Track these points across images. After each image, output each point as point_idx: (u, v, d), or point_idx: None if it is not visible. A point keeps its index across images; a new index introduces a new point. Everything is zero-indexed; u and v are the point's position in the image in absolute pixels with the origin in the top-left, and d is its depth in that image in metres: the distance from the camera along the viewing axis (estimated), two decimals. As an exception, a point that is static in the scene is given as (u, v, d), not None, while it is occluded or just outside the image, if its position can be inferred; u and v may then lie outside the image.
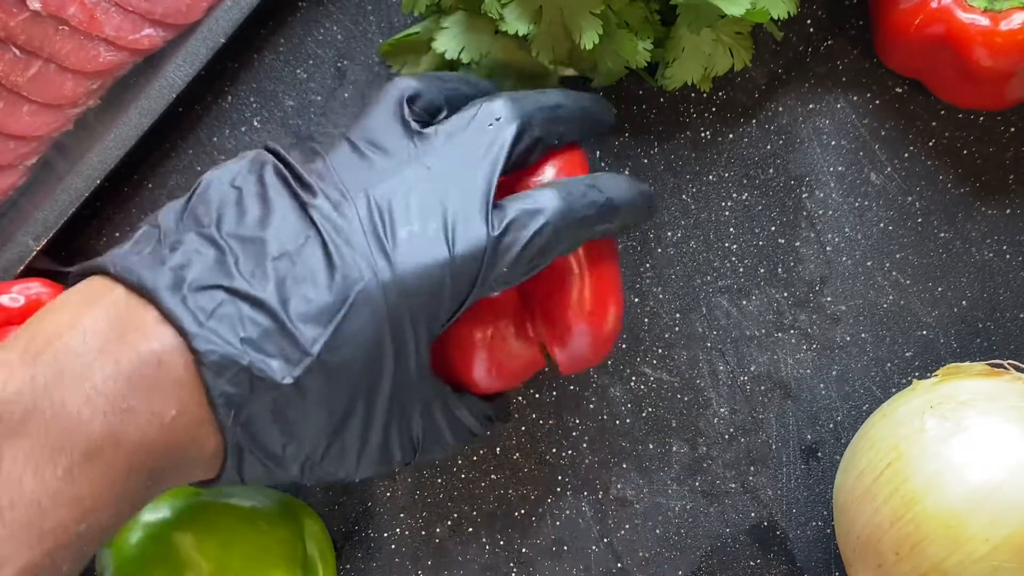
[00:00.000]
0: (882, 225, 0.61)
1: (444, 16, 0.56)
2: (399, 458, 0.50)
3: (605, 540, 0.61)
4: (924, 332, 0.61)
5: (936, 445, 0.53)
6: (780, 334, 0.61)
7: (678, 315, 0.61)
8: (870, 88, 0.61)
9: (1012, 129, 0.61)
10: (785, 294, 0.61)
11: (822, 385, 0.61)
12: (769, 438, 0.61)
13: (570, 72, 0.58)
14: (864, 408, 0.61)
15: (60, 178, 0.59)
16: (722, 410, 0.61)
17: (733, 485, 0.61)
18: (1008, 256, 0.61)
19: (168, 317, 0.43)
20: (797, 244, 0.61)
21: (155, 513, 0.55)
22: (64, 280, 0.60)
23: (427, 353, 0.47)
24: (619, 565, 0.61)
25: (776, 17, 0.54)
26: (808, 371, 0.61)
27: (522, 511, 0.61)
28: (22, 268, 0.58)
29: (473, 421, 0.52)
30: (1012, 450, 0.52)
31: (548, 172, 0.50)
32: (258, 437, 0.45)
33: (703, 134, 0.61)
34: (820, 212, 0.61)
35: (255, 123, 0.61)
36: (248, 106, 0.61)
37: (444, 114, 0.50)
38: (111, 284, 0.45)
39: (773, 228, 0.61)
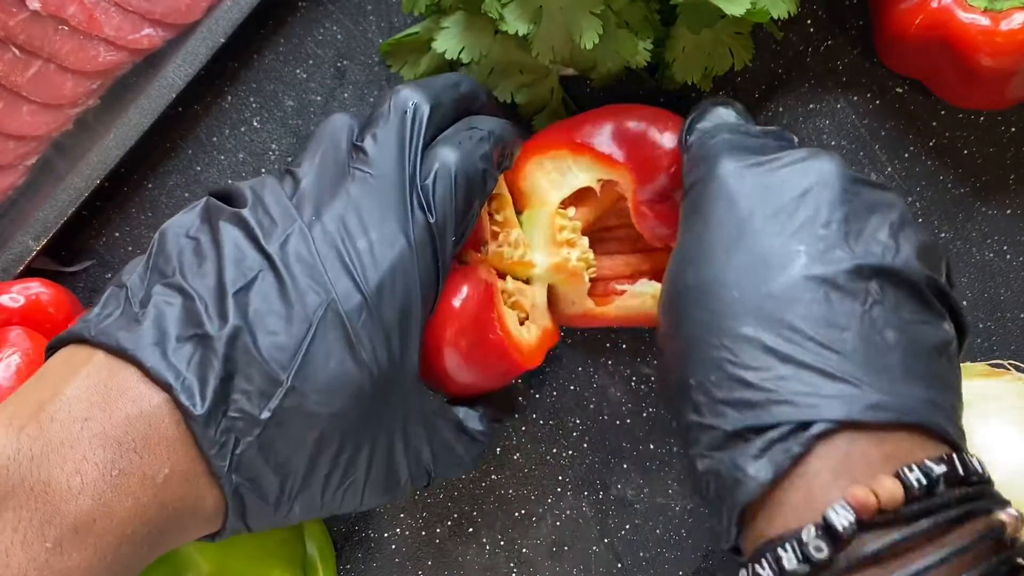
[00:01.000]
0: (882, 225, 0.61)
1: (444, 16, 0.56)
2: (409, 480, 0.50)
3: (605, 540, 0.61)
4: (924, 332, 0.61)
5: (936, 445, 0.53)
6: (780, 334, 0.61)
7: (678, 315, 0.61)
8: (870, 88, 0.61)
9: (1012, 129, 0.61)
10: (785, 294, 0.61)
11: (822, 385, 0.61)
12: (769, 438, 0.61)
13: (570, 72, 0.58)
14: (864, 408, 0.61)
15: (60, 178, 0.58)
16: (722, 410, 0.61)
17: (733, 485, 0.61)
18: (1008, 256, 0.61)
19: (150, 375, 0.43)
20: (797, 244, 0.61)
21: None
22: (64, 280, 0.60)
23: (417, 359, 0.48)
24: (619, 565, 0.61)
25: (776, 17, 0.54)
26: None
27: (522, 511, 0.61)
28: (22, 268, 0.58)
29: (479, 425, 0.52)
30: (1012, 450, 0.52)
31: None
32: (255, 479, 0.45)
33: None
34: (820, 212, 0.61)
35: (255, 123, 0.61)
36: (248, 106, 0.61)
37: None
38: (90, 351, 0.45)
39: (773, 228, 0.61)
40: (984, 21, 0.53)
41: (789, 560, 0.40)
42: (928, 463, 0.40)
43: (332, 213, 0.47)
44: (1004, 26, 0.53)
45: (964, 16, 0.54)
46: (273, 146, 0.61)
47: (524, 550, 0.61)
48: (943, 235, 0.61)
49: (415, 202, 0.48)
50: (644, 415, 0.61)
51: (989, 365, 0.57)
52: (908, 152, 0.61)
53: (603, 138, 0.55)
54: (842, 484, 0.40)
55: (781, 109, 0.61)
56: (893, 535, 0.39)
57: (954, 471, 0.40)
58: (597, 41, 0.53)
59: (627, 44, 0.55)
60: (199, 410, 0.43)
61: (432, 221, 0.48)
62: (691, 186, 0.49)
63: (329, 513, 0.49)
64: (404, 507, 0.61)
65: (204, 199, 0.49)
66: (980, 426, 0.53)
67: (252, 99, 0.61)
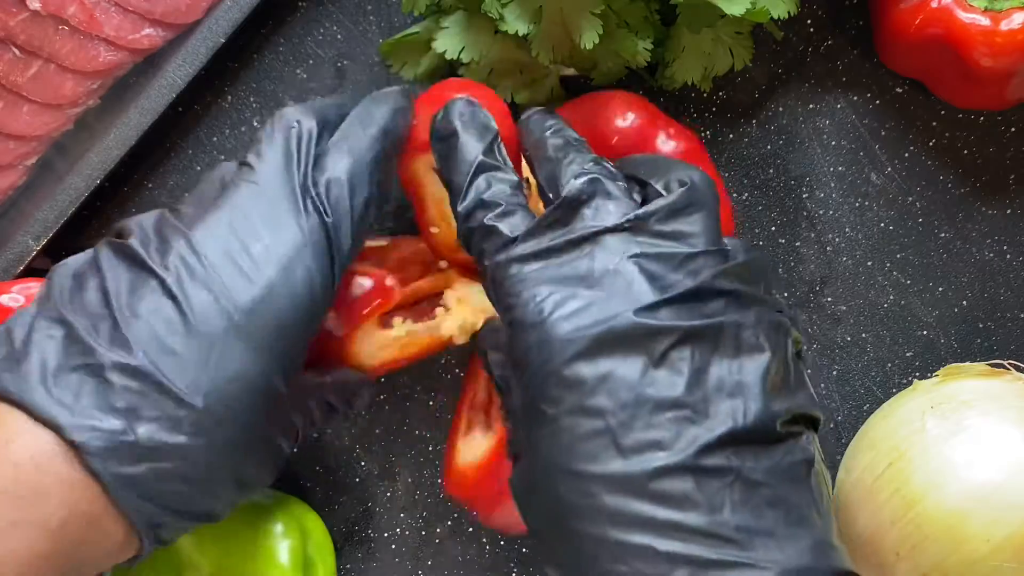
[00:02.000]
0: (882, 225, 0.61)
1: (444, 16, 0.56)
2: (287, 453, 0.49)
3: (605, 540, 0.61)
4: (924, 332, 0.61)
5: (937, 445, 0.53)
6: (780, 334, 0.61)
7: (678, 315, 0.61)
8: (870, 88, 0.61)
9: (1012, 129, 0.61)
10: (785, 294, 0.61)
11: (822, 385, 0.61)
12: (769, 438, 0.61)
13: (570, 72, 0.58)
14: (864, 408, 0.61)
15: (60, 178, 0.58)
16: (722, 410, 0.61)
17: (733, 485, 0.61)
18: (1008, 256, 0.61)
19: (38, 417, 0.41)
20: (797, 244, 0.61)
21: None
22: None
23: (304, 352, 0.47)
24: (619, 565, 0.61)
25: (776, 17, 0.54)
26: (808, 371, 0.61)
27: (522, 511, 0.61)
28: (22, 268, 0.58)
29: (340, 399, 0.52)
30: (1012, 450, 0.52)
31: None
32: (175, 505, 0.44)
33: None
34: (820, 212, 0.61)
35: (255, 123, 0.61)
36: (248, 106, 0.61)
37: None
38: None
39: (773, 228, 0.61)
40: (984, 21, 0.54)
41: None
42: None
43: (220, 221, 0.45)
44: (1004, 26, 0.53)
45: (964, 16, 0.54)
46: (273, 146, 0.61)
47: (524, 550, 0.61)
48: (943, 235, 0.61)
49: (309, 205, 0.46)
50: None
51: (989, 365, 0.57)
52: (908, 152, 0.61)
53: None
54: None
55: (781, 109, 0.61)
56: None
57: None
58: (597, 41, 0.53)
59: (627, 44, 0.55)
60: (94, 444, 0.41)
61: (328, 221, 0.46)
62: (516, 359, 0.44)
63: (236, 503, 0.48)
64: (404, 507, 0.61)
65: (95, 247, 0.47)
66: (980, 426, 0.53)
67: (252, 99, 0.61)
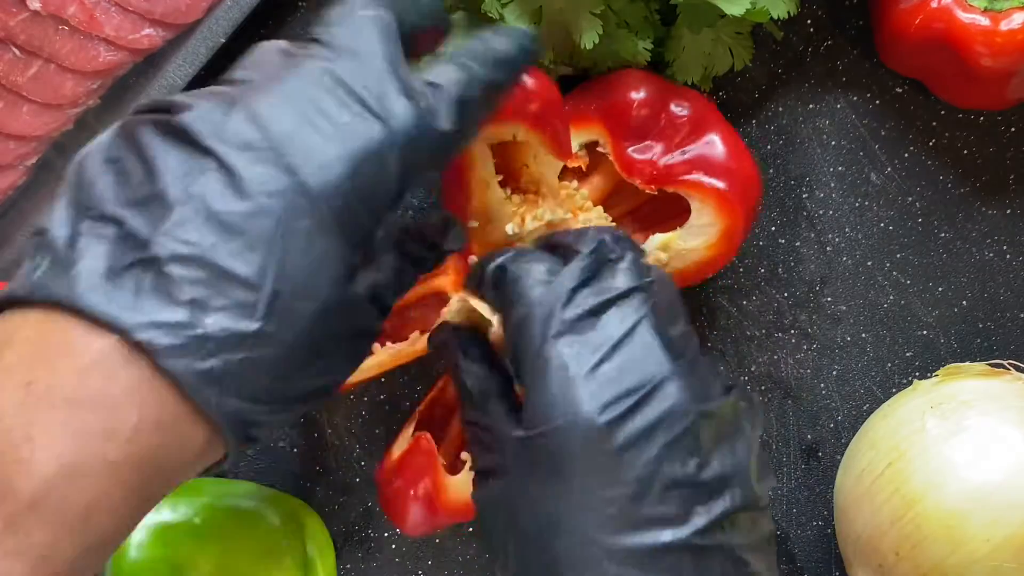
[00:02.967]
0: (882, 225, 0.61)
1: (444, 16, 0.56)
2: (374, 329, 0.45)
3: (605, 540, 0.61)
4: (924, 332, 0.61)
5: (937, 445, 0.53)
6: (780, 334, 0.61)
7: (678, 315, 0.61)
8: (870, 88, 0.61)
9: (1012, 129, 0.61)
10: (785, 294, 0.61)
11: (822, 385, 0.61)
12: (769, 438, 0.61)
13: (570, 72, 0.58)
14: (864, 408, 0.61)
15: (60, 178, 0.58)
16: (722, 410, 0.61)
17: (733, 485, 0.61)
18: (1008, 256, 0.61)
19: (97, 320, 0.38)
20: (797, 244, 0.61)
21: (156, 515, 0.55)
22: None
23: (378, 223, 0.42)
24: (619, 565, 0.61)
25: (776, 17, 0.54)
26: (808, 371, 0.61)
27: (522, 511, 0.61)
28: (22, 268, 0.58)
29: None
30: (1012, 450, 0.52)
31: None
32: (261, 396, 0.40)
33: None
34: (820, 212, 0.61)
35: (255, 123, 0.61)
36: (248, 106, 0.61)
37: None
38: (22, 315, 0.39)
39: (773, 228, 0.61)
40: (984, 21, 0.54)
41: None
42: None
43: (290, 94, 0.41)
44: (1004, 26, 0.53)
45: (964, 16, 0.54)
46: (273, 146, 0.61)
47: (524, 550, 0.61)
48: (943, 235, 0.61)
49: (404, 93, 0.41)
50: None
51: (989, 365, 0.57)
52: (908, 152, 0.61)
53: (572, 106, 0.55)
54: None
55: (781, 109, 0.61)
56: None
57: None
58: (597, 41, 0.53)
59: (627, 44, 0.55)
60: (162, 342, 0.38)
61: (428, 117, 0.41)
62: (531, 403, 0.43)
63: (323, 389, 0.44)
64: (404, 507, 0.61)
65: (123, 119, 0.42)
66: (980, 426, 0.53)
67: (252, 99, 0.61)
